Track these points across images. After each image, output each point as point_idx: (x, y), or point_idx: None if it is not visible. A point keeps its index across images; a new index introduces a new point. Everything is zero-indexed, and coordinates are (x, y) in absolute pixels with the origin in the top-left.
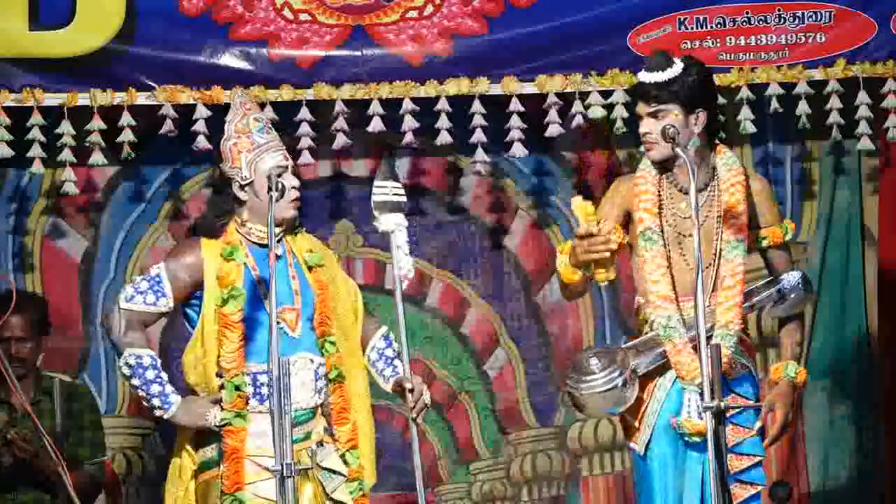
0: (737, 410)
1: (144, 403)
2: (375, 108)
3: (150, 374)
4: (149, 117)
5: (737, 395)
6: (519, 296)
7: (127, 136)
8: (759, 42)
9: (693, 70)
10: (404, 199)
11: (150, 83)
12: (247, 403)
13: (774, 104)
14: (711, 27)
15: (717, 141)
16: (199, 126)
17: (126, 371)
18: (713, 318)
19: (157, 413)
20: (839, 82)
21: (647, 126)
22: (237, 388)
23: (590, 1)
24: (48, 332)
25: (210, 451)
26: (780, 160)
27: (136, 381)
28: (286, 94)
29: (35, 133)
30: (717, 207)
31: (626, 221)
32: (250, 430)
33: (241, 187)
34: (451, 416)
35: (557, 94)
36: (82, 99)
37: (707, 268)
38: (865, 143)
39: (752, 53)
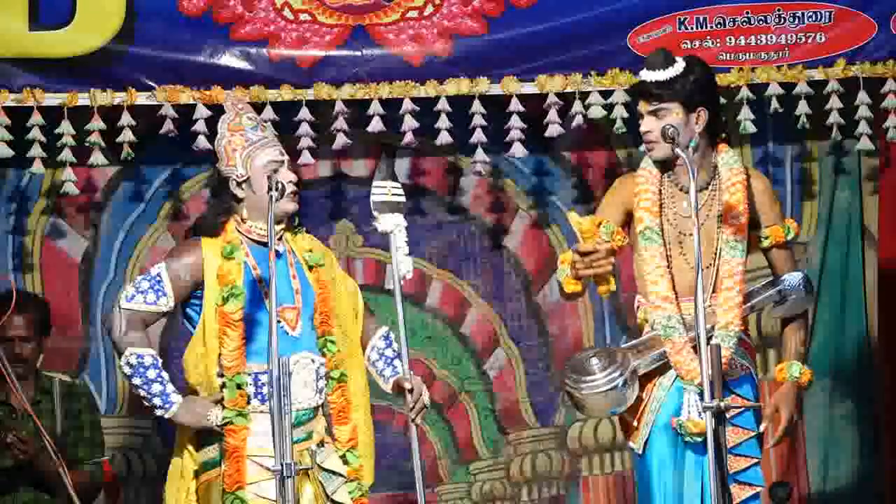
0: (736, 412)
1: (145, 403)
2: (375, 108)
3: (152, 374)
4: (149, 117)
5: (737, 396)
6: (519, 296)
7: (127, 136)
8: (759, 42)
9: (695, 69)
10: (403, 199)
11: (150, 83)
12: (248, 402)
13: (774, 104)
14: (711, 27)
15: (718, 140)
16: (199, 126)
17: (127, 370)
18: (713, 318)
19: (159, 413)
20: (839, 82)
21: (648, 125)
22: (238, 386)
23: (590, 1)
24: (48, 333)
25: (211, 452)
26: (780, 160)
27: (137, 381)
28: (286, 94)
29: (35, 133)
30: (718, 207)
31: (628, 220)
32: (252, 429)
33: (238, 185)
34: (451, 416)
35: (557, 94)
36: (82, 99)
37: (707, 268)
38: (865, 143)
39: (752, 53)
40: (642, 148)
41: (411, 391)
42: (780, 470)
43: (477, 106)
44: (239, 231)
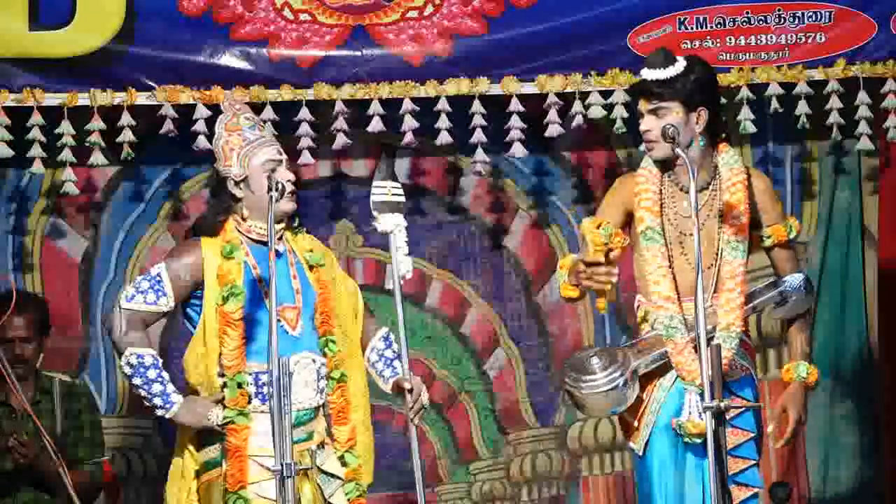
0: (736, 413)
1: (146, 403)
2: (375, 108)
3: (152, 374)
4: (149, 117)
5: (738, 397)
6: (519, 296)
7: (127, 136)
8: (759, 42)
9: (696, 68)
10: (403, 199)
11: (150, 83)
12: (249, 402)
13: (774, 104)
14: (711, 27)
15: (719, 140)
16: (199, 126)
17: (127, 370)
18: (714, 318)
19: (159, 412)
20: (839, 82)
21: (648, 124)
22: (239, 385)
23: (590, 1)
24: (48, 333)
25: (212, 452)
26: (780, 160)
27: (137, 381)
28: (286, 94)
29: (35, 133)
30: (719, 207)
31: (628, 221)
32: (253, 429)
33: (236, 184)
34: (451, 416)
35: (557, 94)
36: (82, 99)
37: (708, 268)
38: (865, 143)
39: (752, 53)
40: (642, 148)
41: (411, 391)
42: (780, 470)
43: (477, 106)
44: (238, 231)
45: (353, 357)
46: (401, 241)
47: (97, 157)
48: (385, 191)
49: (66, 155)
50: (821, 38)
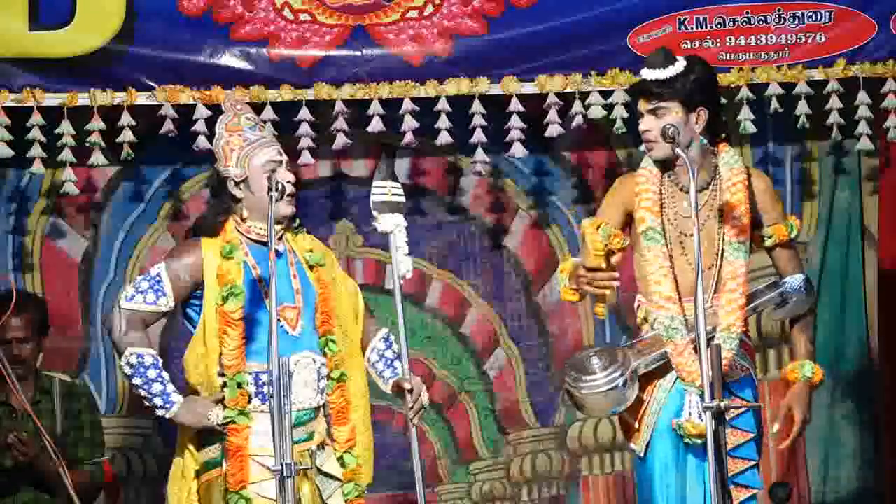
0: (736, 414)
1: (146, 403)
2: (375, 108)
3: (152, 374)
4: (149, 117)
5: (738, 398)
6: (519, 296)
7: (127, 136)
8: (759, 42)
9: (695, 68)
10: (403, 199)
11: (150, 83)
12: (249, 401)
13: (774, 104)
14: (711, 27)
15: (719, 140)
16: (199, 126)
17: (127, 370)
18: (715, 319)
19: (159, 412)
20: (839, 82)
21: (647, 124)
22: (239, 385)
23: (590, 1)
24: (47, 333)
25: (212, 451)
26: (780, 160)
27: (137, 381)
28: (286, 94)
29: (35, 133)
30: (719, 207)
31: (628, 221)
32: (253, 428)
33: (236, 185)
34: (451, 416)
35: (557, 94)
36: (82, 99)
37: (709, 268)
38: (865, 143)
39: (752, 53)
40: (642, 148)
41: (411, 391)
42: (780, 470)
43: (477, 106)
44: (238, 231)
45: (353, 357)
46: (401, 241)
47: (97, 157)
48: (385, 191)
49: (66, 155)
50: (821, 38)
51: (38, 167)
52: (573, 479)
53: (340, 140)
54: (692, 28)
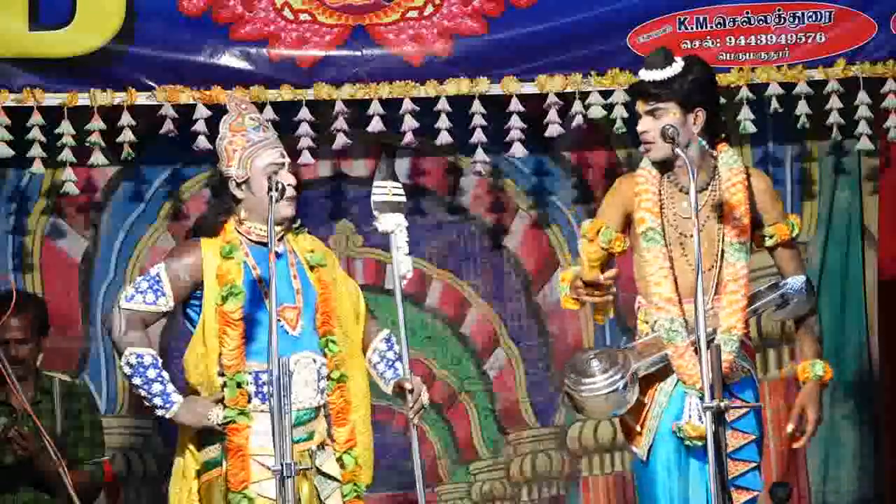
0: (737, 416)
1: (146, 403)
2: (375, 108)
3: (152, 374)
4: (149, 117)
5: (739, 400)
6: (519, 296)
7: (127, 136)
8: (759, 42)
9: (693, 68)
10: (404, 199)
11: (150, 83)
12: (249, 401)
13: (774, 104)
14: (711, 27)
15: (718, 140)
16: (199, 126)
17: (127, 370)
18: (715, 321)
19: (159, 412)
20: (839, 82)
21: (645, 125)
22: (239, 385)
23: (590, 1)
24: (47, 333)
25: (213, 451)
26: (780, 160)
27: (137, 381)
28: (286, 94)
29: (35, 133)
30: (719, 207)
31: (628, 222)
32: (253, 428)
33: (238, 185)
34: (451, 416)
35: (557, 94)
36: (82, 99)
37: (709, 269)
38: (865, 143)
39: (752, 53)
40: (642, 148)
41: (412, 391)
42: (781, 470)
43: (477, 106)
44: (238, 231)
45: (353, 358)
46: (402, 241)
47: (97, 157)
48: (386, 191)
49: (66, 155)
50: (821, 38)
51: (38, 167)
52: (573, 479)
53: (340, 140)
54: (692, 28)
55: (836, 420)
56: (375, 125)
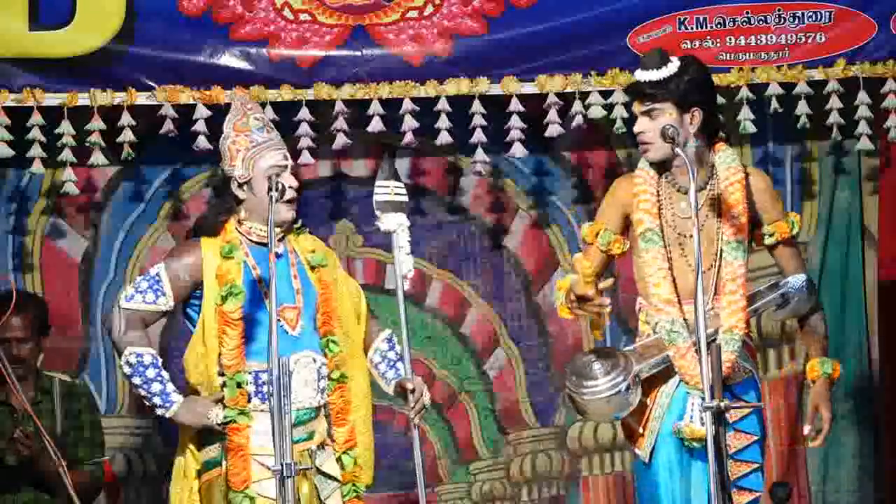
0: (739, 417)
1: (145, 402)
2: (375, 108)
3: (151, 373)
4: (149, 117)
5: (742, 401)
6: (519, 296)
7: (127, 136)
8: (759, 42)
9: (689, 68)
10: (406, 198)
11: (150, 83)
12: (249, 400)
13: (774, 104)
14: (711, 27)
15: (716, 139)
16: (199, 126)
17: (127, 370)
18: (716, 321)
19: (159, 412)
20: (839, 82)
21: (641, 125)
22: (239, 384)
23: (590, 1)
24: (47, 333)
25: (213, 451)
26: (780, 160)
27: (136, 380)
28: (286, 94)
29: (35, 133)
30: (717, 207)
31: (627, 223)
32: (253, 427)
33: (240, 185)
34: (451, 416)
35: (557, 94)
36: (82, 99)
37: (708, 269)
38: (865, 143)
39: (752, 53)
40: (640, 148)
41: (413, 391)
42: (781, 470)
43: (477, 106)
44: (238, 231)
45: (354, 358)
46: (403, 241)
47: (97, 157)
48: (388, 190)
49: (66, 155)
50: (821, 38)
51: (38, 167)
52: (573, 479)
53: (340, 140)
54: (692, 28)
55: (836, 420)
56: (375, 125)
